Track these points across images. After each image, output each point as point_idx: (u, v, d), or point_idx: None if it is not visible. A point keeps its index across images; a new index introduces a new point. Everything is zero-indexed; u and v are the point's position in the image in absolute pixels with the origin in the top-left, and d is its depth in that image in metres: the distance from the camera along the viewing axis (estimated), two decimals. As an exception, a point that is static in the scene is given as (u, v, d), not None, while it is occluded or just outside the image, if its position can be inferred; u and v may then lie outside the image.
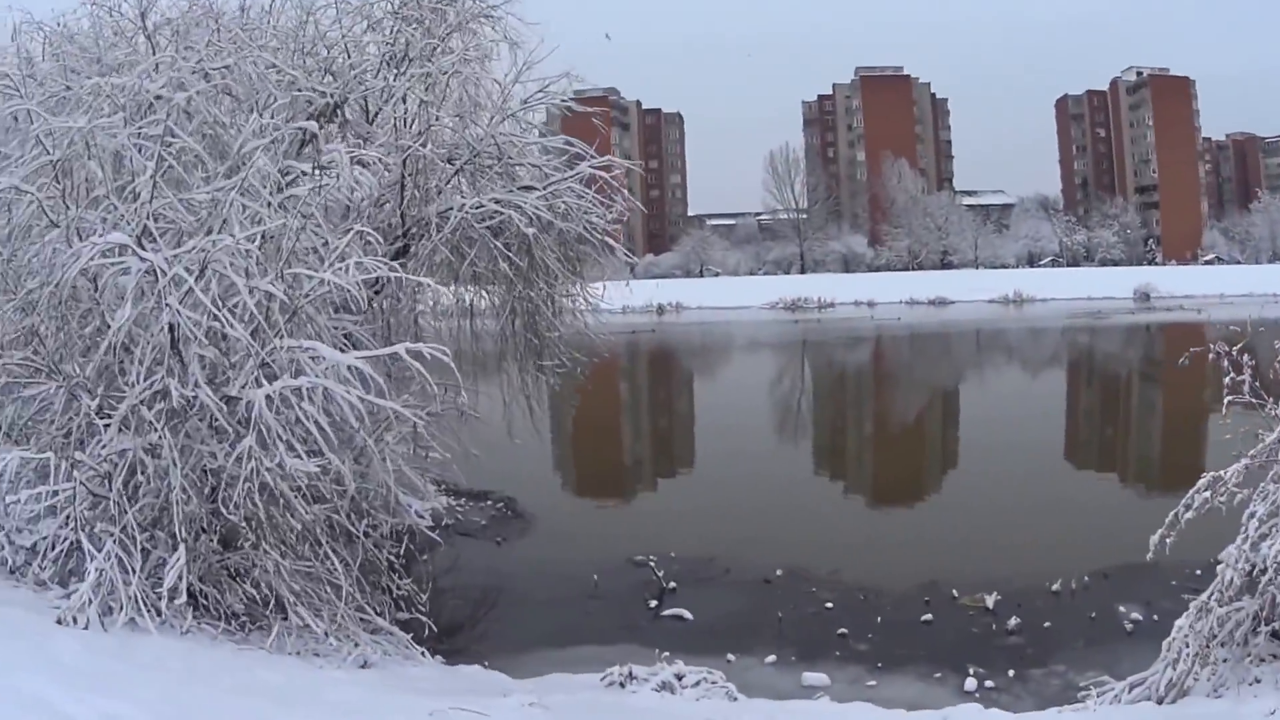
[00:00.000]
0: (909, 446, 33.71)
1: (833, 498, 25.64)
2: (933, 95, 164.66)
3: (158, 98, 12.51)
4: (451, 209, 17.10)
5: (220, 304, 10.89)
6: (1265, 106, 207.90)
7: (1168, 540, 10.54)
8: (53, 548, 10.94)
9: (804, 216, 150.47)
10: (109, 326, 11.05)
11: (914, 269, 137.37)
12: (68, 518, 10.83)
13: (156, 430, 10.82)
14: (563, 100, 19.33)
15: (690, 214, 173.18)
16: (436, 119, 17.89)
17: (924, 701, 11.94)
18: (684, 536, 19.18)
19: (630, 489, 27.70)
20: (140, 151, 11.75)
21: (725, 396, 47.17)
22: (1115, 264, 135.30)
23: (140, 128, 11.93)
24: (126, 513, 10.76)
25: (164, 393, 10.80)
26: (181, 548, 10.53)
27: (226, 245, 10.91)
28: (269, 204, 11.66)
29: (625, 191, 19.24)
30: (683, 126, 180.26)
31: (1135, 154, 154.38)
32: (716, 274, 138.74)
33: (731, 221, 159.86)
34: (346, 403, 10.69)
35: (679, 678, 11.69)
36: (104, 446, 10.94)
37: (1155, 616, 14.26)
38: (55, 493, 10.84)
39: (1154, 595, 15.04)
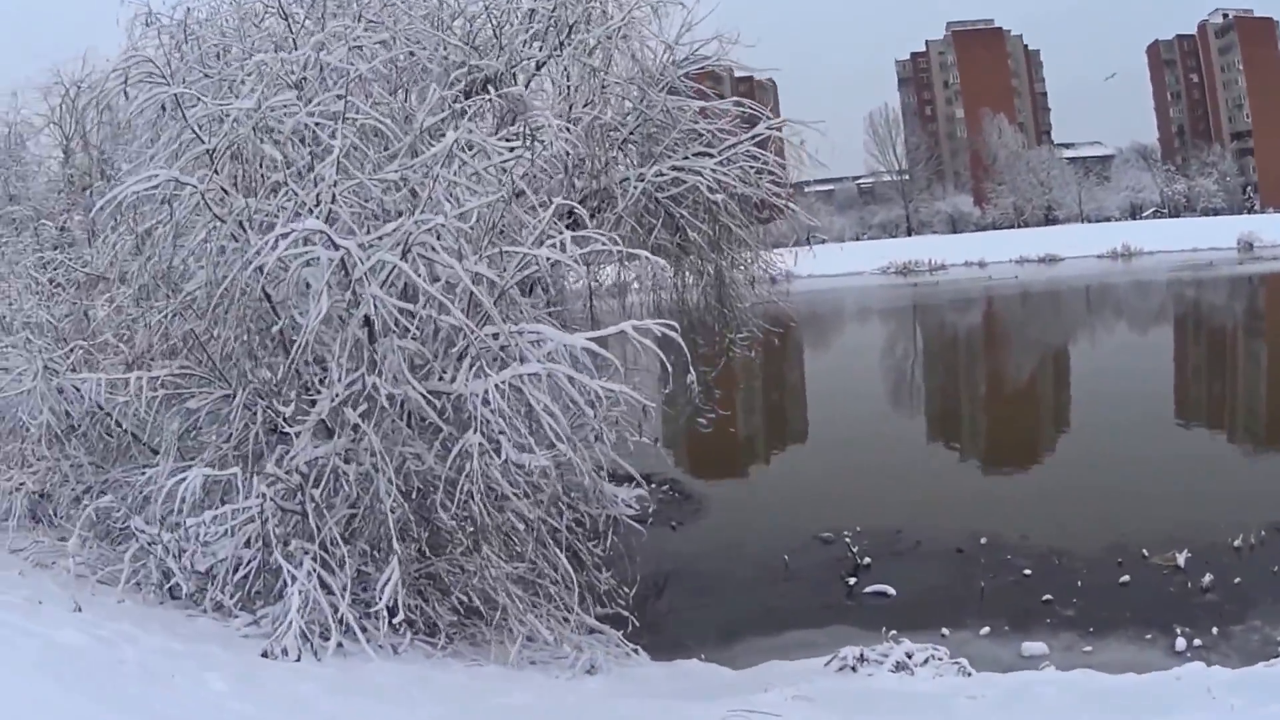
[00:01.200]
0: (1058, 406, 33.29)
1: (1000, 461, 25.27)
2: (1025, 47, 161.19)
3: (329, 69, 11.67)
4: (629, 178, 16.65)
5: (424, 290, 10.02)
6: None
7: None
8: (234, 570, 10.21)
9: (907, 178, 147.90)
10: (291, 325, 10.37)
11: (1020, 226, 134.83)
12: (251, 538, 10.13)
13: (357, 433, 10.02)
14: (717, 62, 18.34)
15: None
16: (604, 86, 16.88)
17: (1141, 664, 11.90)
18: (862, 509, 18.88)
19: (789, 463, 27.07)
20: (321, 130, 10.69)
21: (863, 363, 46.32)
22: (1216, 213, 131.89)
23: (319, 104, 10.85)
24: (323, 527, 9.99)
25: (363, 393, 9.95)
26: (394, 560, 9.79)
27: (435, 225, 9.96)
28: (476, 176, 10.82)
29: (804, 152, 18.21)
30: (776, 93, 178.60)
31: (1228, 99, 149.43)
32: (823, 241, 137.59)
33: (831, 187, 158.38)
34: (580, 389, 9.95)
35: (909, 656, 11.50)
36: (293, 456, 10.13)
37: None
38: (239, 511, 10.13)
39: None
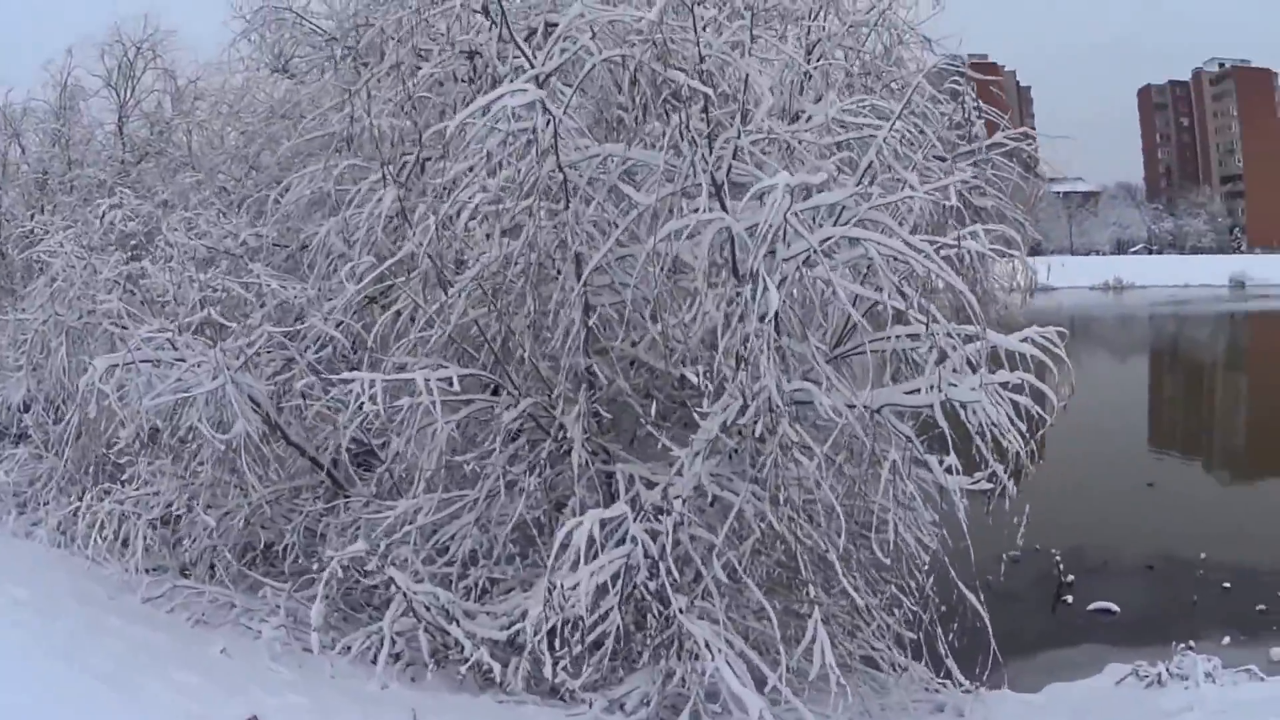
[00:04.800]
0: (1189, 426, 33.21)
1: (1168, 480, 23.98)
2: (1017, 83, 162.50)
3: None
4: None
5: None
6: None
7: None
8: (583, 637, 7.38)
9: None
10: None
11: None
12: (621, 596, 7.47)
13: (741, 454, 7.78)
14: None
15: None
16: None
17: None
18: (1040, 527, 18.46)
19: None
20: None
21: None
22: (1204, 252, 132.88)
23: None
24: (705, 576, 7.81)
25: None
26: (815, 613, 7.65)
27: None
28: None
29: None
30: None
31: (1220, 144, 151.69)
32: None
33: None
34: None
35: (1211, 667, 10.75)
36: (671, 486, 7.73)
37: None
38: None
39: None
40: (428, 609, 7.65)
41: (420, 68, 8.98)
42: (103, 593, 9.13)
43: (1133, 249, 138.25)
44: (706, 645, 7.25)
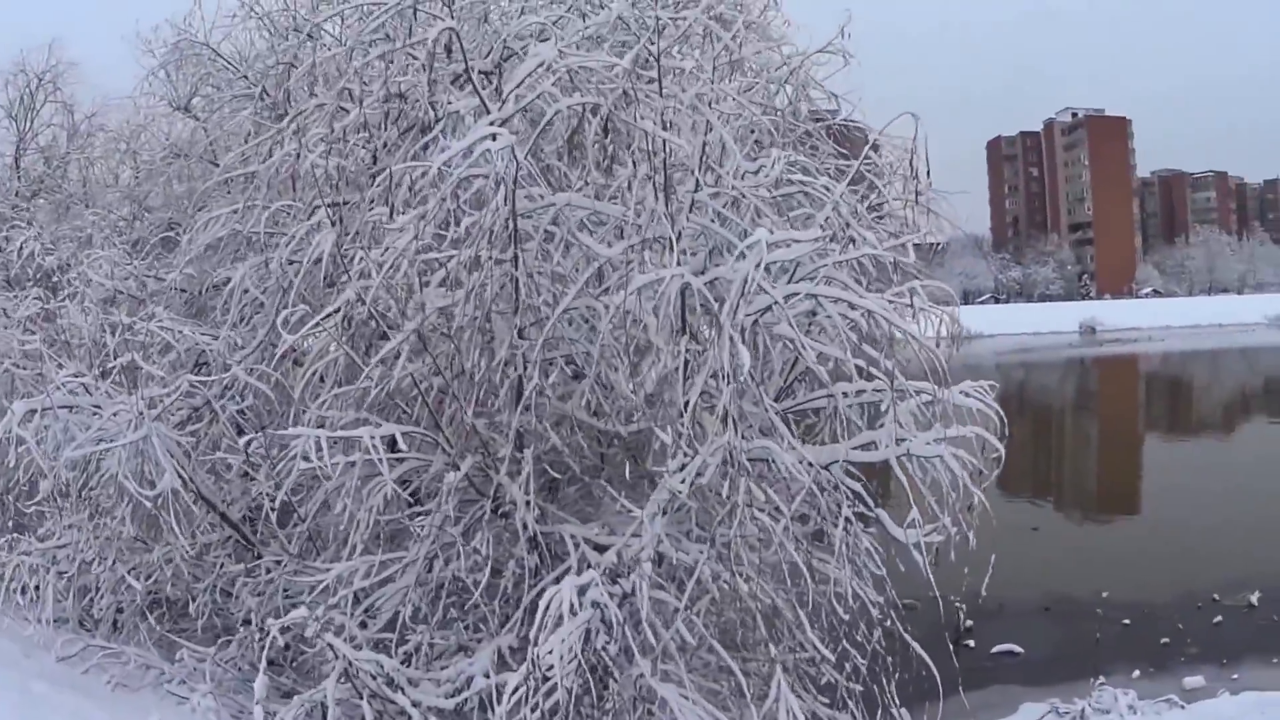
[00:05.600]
0: (1059, 470, 34.23)
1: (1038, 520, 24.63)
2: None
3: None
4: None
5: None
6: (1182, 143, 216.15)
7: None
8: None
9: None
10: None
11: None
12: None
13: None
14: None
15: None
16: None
17: None
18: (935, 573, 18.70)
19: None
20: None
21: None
22: (1053, 299, 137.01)
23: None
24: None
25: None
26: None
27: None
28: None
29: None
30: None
31: (1070, 192, 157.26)
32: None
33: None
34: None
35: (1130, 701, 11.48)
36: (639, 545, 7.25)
37: None
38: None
39: None
40: (373, 677, 7.16)
41: (348, 110, 8.52)
42: (17, 650, 8.63)
43: (979, 299, 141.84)
44: (673, 709, 6.94)
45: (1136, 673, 13.60)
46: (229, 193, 10.49)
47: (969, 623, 15.73)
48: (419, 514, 7.98)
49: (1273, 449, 35.51)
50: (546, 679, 6.37)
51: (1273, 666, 13.88)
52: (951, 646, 10.39)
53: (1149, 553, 20.29)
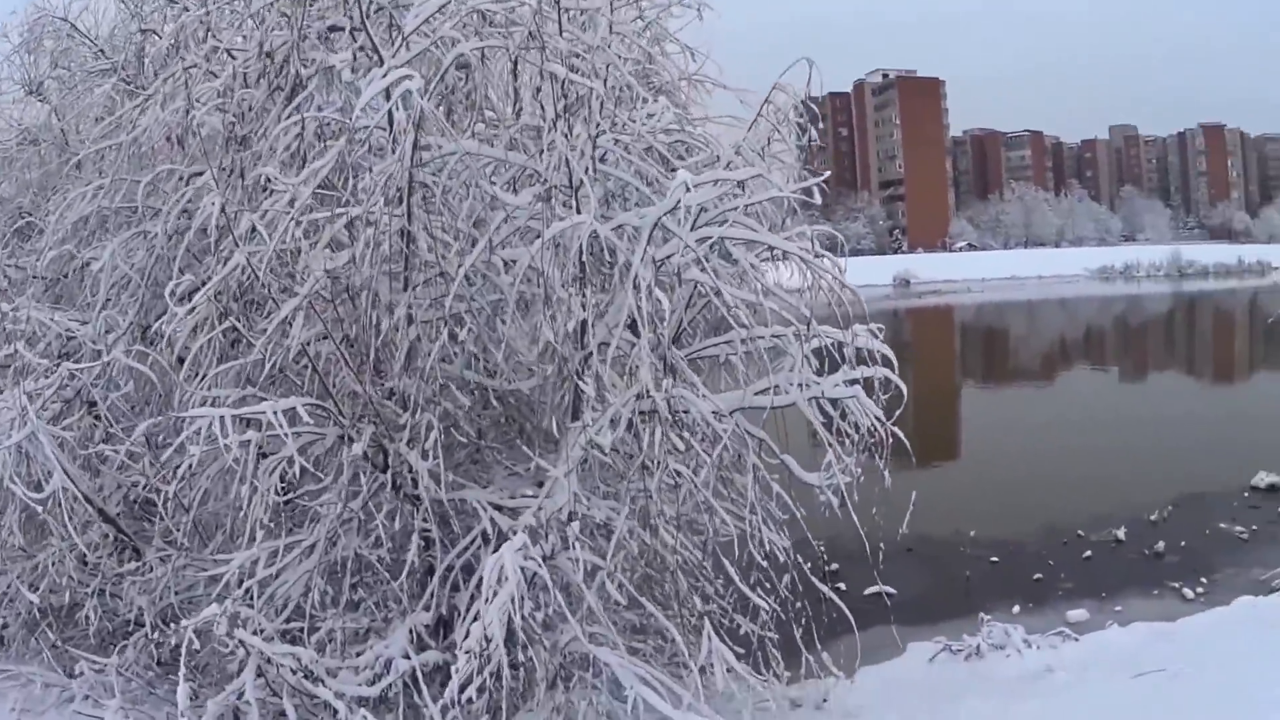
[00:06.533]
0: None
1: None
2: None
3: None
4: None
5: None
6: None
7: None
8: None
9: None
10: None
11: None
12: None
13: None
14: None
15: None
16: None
17: (1174, 613, 12.79)
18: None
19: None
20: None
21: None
22: (865, 254, 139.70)
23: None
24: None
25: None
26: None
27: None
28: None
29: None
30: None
31: (880, 151, 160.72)
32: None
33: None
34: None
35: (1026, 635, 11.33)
36: (557, 508, 7.12)
37: (1255, 526, 17.03)
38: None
39: (1233, 513, 17.84)
40: (292, 671, 6.71)
41: (216, 74, 7.99)
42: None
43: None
44: (612, 669, 6.77)
45: (1016, 609, 13.73)
46: (86, 173, 9.82)
47: (834, 566, 15.88)
48: (317, 492, 7.49)
49: (1100, 392, 36.89)
50: (490, 656, 6.08)
51: (1153, 599, 14.14)
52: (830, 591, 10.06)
53: (1001, 494, 20.71)
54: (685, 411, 7.09)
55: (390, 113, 6.34)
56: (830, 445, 7.67)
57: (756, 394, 7.65)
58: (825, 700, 9.58)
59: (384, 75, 6.23)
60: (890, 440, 7.86)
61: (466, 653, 6.06)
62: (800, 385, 7.49)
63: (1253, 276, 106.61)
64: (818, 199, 7.63)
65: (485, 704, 6.35)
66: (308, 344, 7.23)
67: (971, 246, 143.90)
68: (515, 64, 6.77)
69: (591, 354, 6.92)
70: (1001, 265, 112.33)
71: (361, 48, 7.08)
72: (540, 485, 7.19)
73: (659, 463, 6.84)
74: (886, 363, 7.80)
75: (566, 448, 7.03)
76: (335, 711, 6.70)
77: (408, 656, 7.11)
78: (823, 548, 14.92)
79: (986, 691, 9.87)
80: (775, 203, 7.97)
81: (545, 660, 6.83)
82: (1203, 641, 10.88)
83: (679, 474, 7.24)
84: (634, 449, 7.09)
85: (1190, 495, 19.11)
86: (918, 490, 9.23)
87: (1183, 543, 16.43)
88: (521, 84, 7.00)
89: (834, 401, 7.64)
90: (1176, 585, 14.51)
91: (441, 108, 7.04)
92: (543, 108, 6.60)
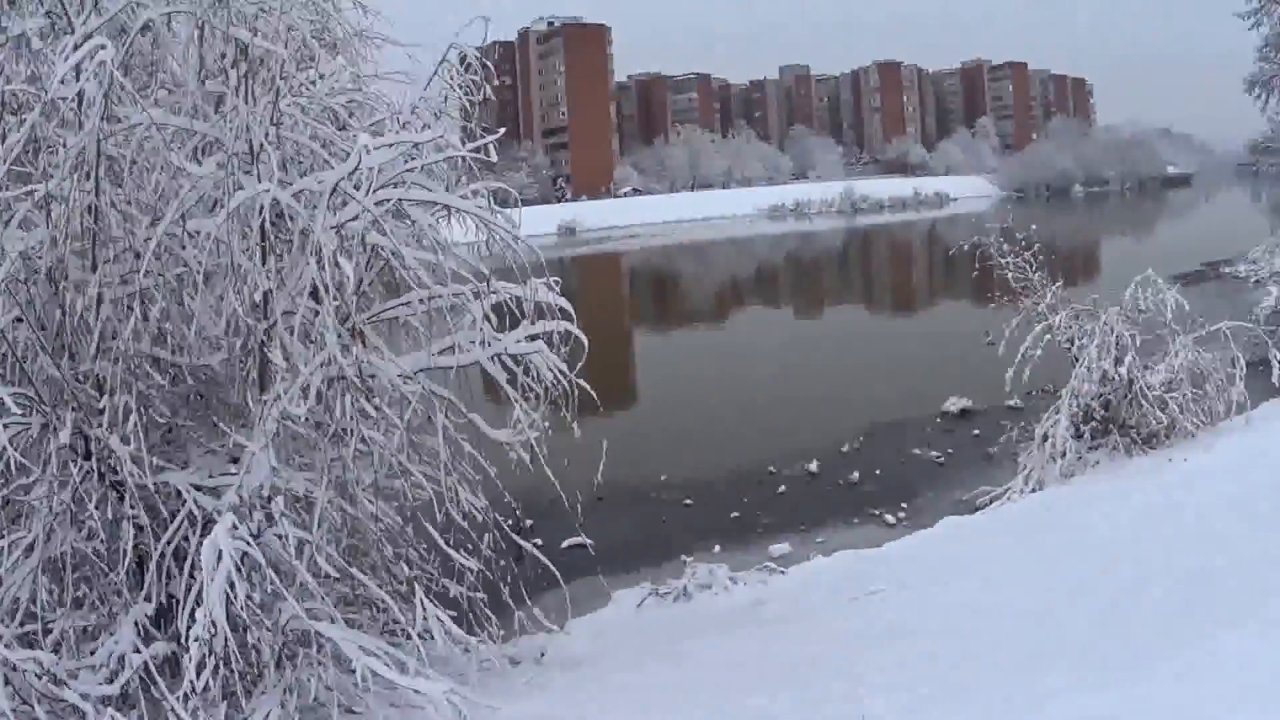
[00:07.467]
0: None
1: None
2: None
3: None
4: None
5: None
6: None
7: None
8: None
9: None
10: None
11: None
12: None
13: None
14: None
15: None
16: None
17: (878, 539, 13.73)
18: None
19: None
20: None
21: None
22: (530, 204, 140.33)
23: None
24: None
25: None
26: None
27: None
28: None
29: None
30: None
31: (544, 99, 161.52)
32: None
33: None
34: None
35: (730, 574, 12.00)
36: (255, 485, 7.42)
37: (950, 450, 18.62)
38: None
39: (927, 439, 19.38)
40: (38, 676, 6.65)
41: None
42: None
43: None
44: (336, 643, 7.05)
45: (718, 549, 14.37)
46: None
47: (529, 522, 16.14)
48: (29, 486, 7.41)
49: (778, 330, 38.64)
50: (216, 642, 6.28)
51: (854, 527, 15.02)
52: (531, 547, 10.70)
53: (689, 438, 21.39)
54: (373, 377, 7.42)
55: (81, 83, 6.38)
56: (516, 401, 8.12)
57: (439, 354, 8.13)
58: (543, 654, 9.90)
59: (79, 45, 6.26)
60: (575, 392, 8.42)
61: (195, 640, 6.25)
62: (482, 343, 8.05)
63: (929, 209, 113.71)
64: (494, 156, 7.90)
65: (221, 690, 6.59)
66: (4, 330, 7.18)
67: (637, 191, 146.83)
68: (201, 29, 6.87)
69: (276, 323, 7.17)
70: (669, 209, 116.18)
71: (50, 12, 7.01)
72: (236, 461, 7.39)
73: (351, 431, 7.18)
74: (566, 315, 8.32)
75: (259, 421, 7.26)
76: (84, 714, 6.73)
77: (138, 650, 7.18)
78: (519, 505, 15.39)
79: (701, 629, 10.45)
80: (449, 161, 8.26)
81: (270, 641, 7.03)
82: (912, 560, 11.84)
83: (371, 440, 7.53)
84: (325, 418, 7.40)
85: (882, 425, 20.41)
86: (607, 440, 9.60)
87: (878, 471, 17.64)
88: (205, 50, 7.12)
89: (516, 358, 8.18)
90: (877, 513, 15.49)
91: (128, 77, 7.08)
92: (226, 74, 6.76)
